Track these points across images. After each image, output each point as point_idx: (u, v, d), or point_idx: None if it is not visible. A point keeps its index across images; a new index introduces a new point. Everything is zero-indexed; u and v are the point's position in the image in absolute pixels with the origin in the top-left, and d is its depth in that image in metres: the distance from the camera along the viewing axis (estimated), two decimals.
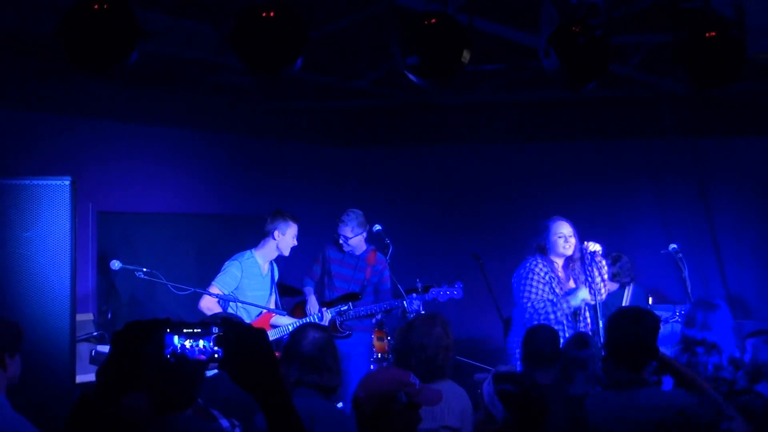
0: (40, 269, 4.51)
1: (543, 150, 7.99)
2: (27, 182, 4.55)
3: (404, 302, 6.19)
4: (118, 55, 3.87)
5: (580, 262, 5.42)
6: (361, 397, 2.79)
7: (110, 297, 6.43)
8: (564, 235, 5.43)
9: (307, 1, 4.77)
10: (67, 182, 4.56)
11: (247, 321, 5.67)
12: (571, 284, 5.44)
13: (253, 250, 5.79)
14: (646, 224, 7.54)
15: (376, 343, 6.46)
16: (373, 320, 6.43)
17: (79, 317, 4.97)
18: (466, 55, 4.19)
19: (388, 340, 6.40)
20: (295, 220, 5.76)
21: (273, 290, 5.88)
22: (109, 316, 6.04)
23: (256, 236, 5.91)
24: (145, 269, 5.31)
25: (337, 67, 6.46)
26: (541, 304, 5.28)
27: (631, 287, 6.46)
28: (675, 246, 6.35)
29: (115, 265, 5.28)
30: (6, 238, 4.49)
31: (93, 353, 5.08)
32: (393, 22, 4.82)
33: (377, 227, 6.36)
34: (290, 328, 5.85)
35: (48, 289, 4.52)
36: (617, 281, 6.35)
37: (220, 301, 5.50)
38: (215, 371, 3.76)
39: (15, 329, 3.46)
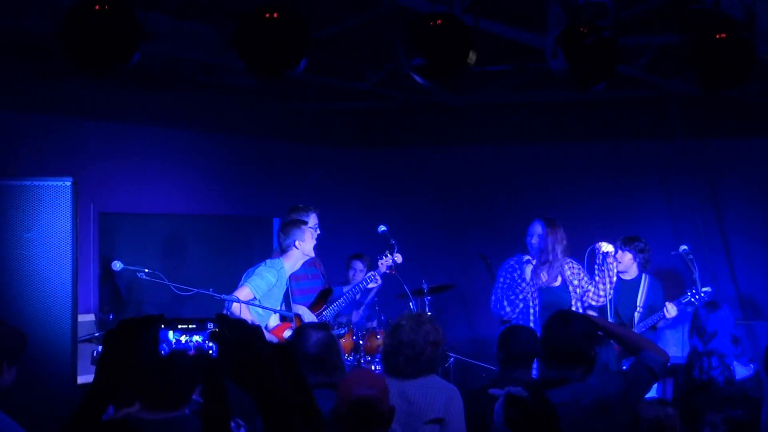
0: (41, 270, 4.51)
1: (550, 151, 7.94)
2: (28, 183, 4.55)
3: (410, 303, 6.17)
4: (119, 57, 3.84)
5: (561, 261, 5.57)
6: (376, 395, 2.73)
7: (112, 298, 6.42)
8: (534, 234, 5.63)
9: (310, 2, 4.73)
10: (69, 183, 4.55)
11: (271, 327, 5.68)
12: (556, 283, 5.59)
13: (282, 259, 5.75)
14: (656, 225, 7.49)
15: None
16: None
17: (81, 318, 4.96)
18: (471, 56, 4.14)
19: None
20: (304, 222, 5.75)
21: (286, 298, 5.84)
22: (111, 317, 6.02)
23: (259, 237, 5.89)
24: (147, 270, 5.29)
25: (341, 68, 6.42)
26: (503, 296, 5.51)
27: (647, 277, 6.41)
28: (685, 247, 6.31)
29: (117, 265, 5.26)
30: (7, 239, 4.50)
31: (95, 354, 5.07)
32: (398, 24, 4.78)
33: (382, 228, 6.32)
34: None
35: (49, 290, 4.52)
36: (641, 261, 6.32)
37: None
38: None
39: (20, 340, 3.45)
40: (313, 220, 5.84)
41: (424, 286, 6.67)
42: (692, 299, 6.12)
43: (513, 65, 6.46)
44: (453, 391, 3.76)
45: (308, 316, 5.85)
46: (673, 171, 7.58)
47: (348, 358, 5.90)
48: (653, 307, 6.29)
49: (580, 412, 3.18)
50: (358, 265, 6.98)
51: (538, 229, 5.62)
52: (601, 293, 5.62)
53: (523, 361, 4.04)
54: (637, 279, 6.37)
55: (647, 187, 7.65)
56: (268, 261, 5.73)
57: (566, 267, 5.63)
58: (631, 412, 3.26)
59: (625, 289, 6.31)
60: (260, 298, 5.55)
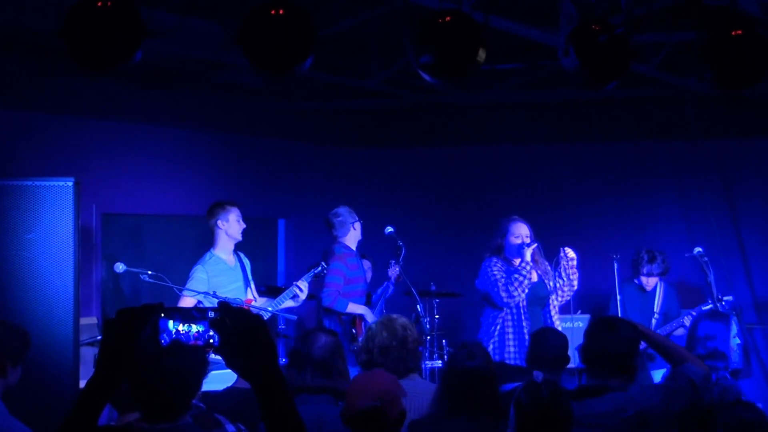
0: (42, 272, 4.46)
1: (562, 151, 7.86)
2: (30, 183, 4.51)
3: (418, 306, 6.09)
4: (121, 55, 3.84)
5: (543, 258, 5.64)
6: (378, 407, 2.67)
7: (114, 300, 6.36)
8: (521, 236, 5.61)
9: None
10: (71, 183, 4.51)
11: None
12: (533, 278, 5.60)
13: (211, 249, 5.70)
14: (670, 227, 7.42)
15: None
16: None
17: (83, 321, 4.92)
18: (481, 54, 4.10)
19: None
20: (232, 204, 5.70)
21: (248, 280, 5.73)
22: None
23: (264, 238, 5.82)
24: (150, 272, 5.25)
25: (348, 66, 6.35)
26: (502, 283, 5.47)
27: (662, 285, 6.35)
28: (700, 249, 6.23)
29: (120, 267, 5.21)
30: (8, 240, 4.46)
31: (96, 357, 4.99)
32: (406, 21, 4.70)
33: (389, 229, 6.26)
34: (270, 309, 5.67)
35: (51, 293, 4.47)
36: (659, 276, 6.33)
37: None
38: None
39: (25, 339, 3.45)
40: (233, 214, 5.73)
41: (432, 287, 6.60)
42: (713, 306, 6.02)
43: (524, 63, 6.39)
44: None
45: (369, 317, 5.83)
46: (688, 171, 7.49)
47: None
48: (669, 314, 6.27)
49: (622, 424, 3.10)
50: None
51: (523, 228, 5.65)
52: (559, 298, 5.69)
53: (550, 364, 3.98)
54: (653, 288, 6.33)
55: (661, 188, 7.56)
56: (199, 260, 5.65)
57: (542, 260, 5.69)
58: (672, 424, 3.15)
59: (642, 299, 6.27)
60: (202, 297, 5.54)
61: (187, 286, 5.47)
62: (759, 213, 7.28)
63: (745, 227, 7.30)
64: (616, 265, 6.18)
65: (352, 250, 6.05)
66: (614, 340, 3.22)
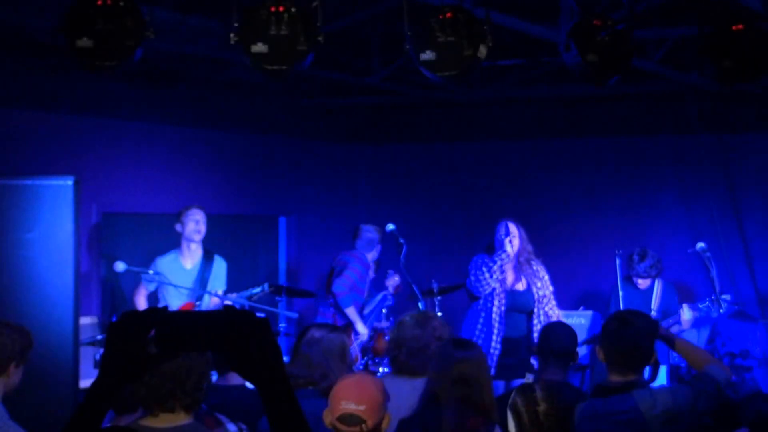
0: (42, 272, 4.44)
1: (564, 147, 7.84)
2: (29, 182, 4.49)
3: (419, 303, 6.09)
4: (122, 53, 3.81)
5: (528, 265, 5.70)
6: (363, 411, 2.65)
7: (115, 300, 6.34)
8: (508, 235, 5.70)
9: None
10: (70, 182, 4.48)
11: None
12: (520, 286, 5.68)
13: (176, 248, 5.83)
14: (672, 222, 7.40)
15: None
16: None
17: (83, 320, 4.91)
18: (482, 50, 4.07)
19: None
20: (191, 207, 5.79)
21: (202, 283, 5.76)
22: (114, 319, 5.93)
23: (265, 236, 5.81)
24: (150, 271, 5.25)
25: (349, 63, 6.33)
26: (475, 269, 5.60)
27: (660, 282, 6.33)
28: (703, 245, 6.20)
29: (120, 267, 5.20)
30: (7, 240, 4.43)
31: (97, 357, 4.99)
32: (407, 17, 4.68)
33: (390, 227, 6.25)
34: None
35: (50, 292, 4.45)
36: (650, 276, 6.30)
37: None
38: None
39: (28, 339, 3.46)
40: (188, 216, 5.82)
41: (434, 285, 6.58)
42: (710, 305, 6.00)
43: (525, 59, 6.37)
44: None
45: (361, 329, 5.95)
46: (690, 166, 7.47)
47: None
48: (667, 312, 6.23)
49: (653, 420, 3.08)
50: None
51: (513, 230, 5.71)
52: (557, 311, 5.73)
53: (557, 357, 3.96)
54: (650, 286, 6.30)
55: (663, 183, 7.54)
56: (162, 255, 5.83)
57: (533, 269, 5.70)
58: (698, 422, 3.14)
59: (639, 297, 6.24)
60: (154, 289, 5.67)
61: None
62: (761, 208, 7.25)
63: (747, 222, 7.28)
64: (618, 260, 6.15)
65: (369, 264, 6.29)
66: (633, 335, 3.20)
